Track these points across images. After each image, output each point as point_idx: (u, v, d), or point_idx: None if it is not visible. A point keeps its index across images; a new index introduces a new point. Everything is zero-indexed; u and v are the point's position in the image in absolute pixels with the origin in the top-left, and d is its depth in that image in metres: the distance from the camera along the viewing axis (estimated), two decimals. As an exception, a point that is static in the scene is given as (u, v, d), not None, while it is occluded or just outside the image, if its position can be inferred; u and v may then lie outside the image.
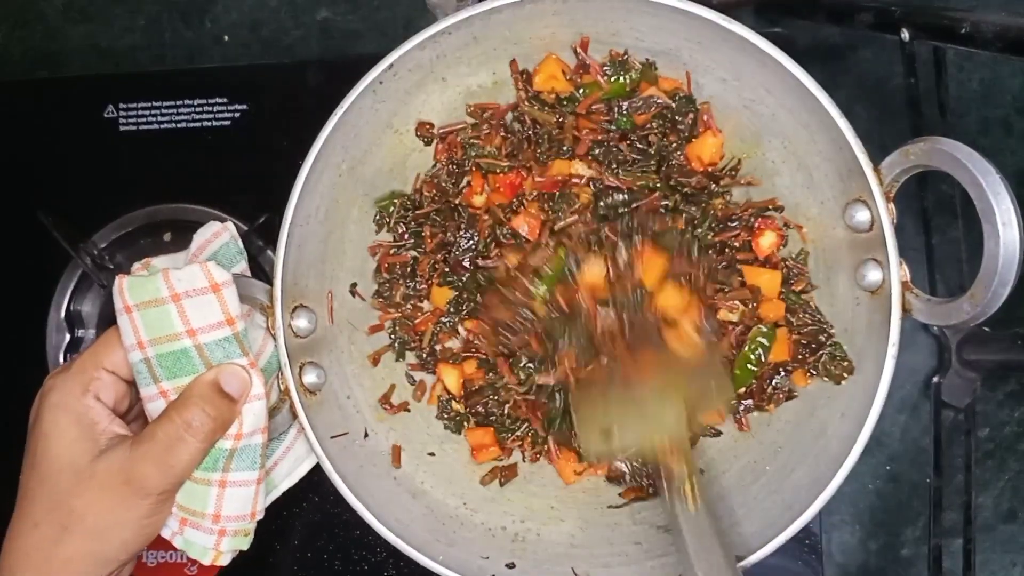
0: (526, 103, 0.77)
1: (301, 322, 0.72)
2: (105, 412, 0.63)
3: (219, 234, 0.72)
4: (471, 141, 0.78)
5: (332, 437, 0.72)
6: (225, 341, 0.64)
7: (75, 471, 0.60)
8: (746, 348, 0.75)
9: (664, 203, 0.76)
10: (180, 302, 0.62)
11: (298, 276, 0.72)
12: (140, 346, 0.63)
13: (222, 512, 0.66)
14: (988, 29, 0.73)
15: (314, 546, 0.91)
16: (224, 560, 0.68)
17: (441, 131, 0.79)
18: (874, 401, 0.64)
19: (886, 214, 0.64)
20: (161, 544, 0.88)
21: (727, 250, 0.77)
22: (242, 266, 0.73)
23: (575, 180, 0.77)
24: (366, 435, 0.77)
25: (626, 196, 0.76)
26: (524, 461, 0.81)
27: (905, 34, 0.82)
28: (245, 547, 0.68)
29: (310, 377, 0.73)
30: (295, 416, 0.70)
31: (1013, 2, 1.01)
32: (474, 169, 0.79)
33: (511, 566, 0.73)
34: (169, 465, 0.61)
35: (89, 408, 0.62)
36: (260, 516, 0.69)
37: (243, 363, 0.65)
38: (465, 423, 0.82)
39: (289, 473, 0.75)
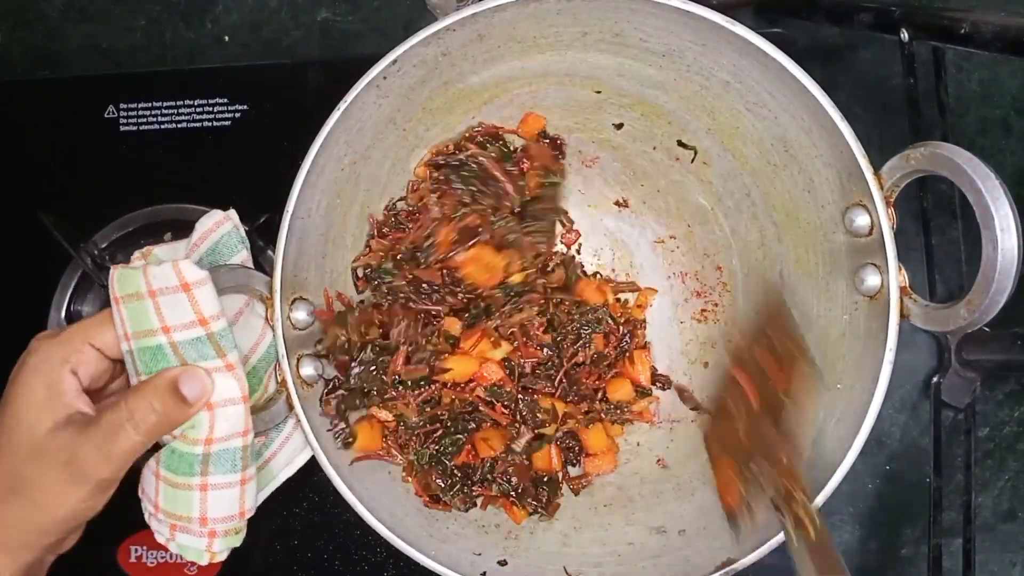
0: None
1: (300, 314, 0.72)
2: (75, 386, 0.62)
3: (221, 223, 0.71)
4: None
5: (329, 431, 0.73)
6: (198, 341, 0.63)
7: (32, 439, 0.60)
8: None
9: None
10: (156, 299, 0.62)
11: (298, 269, 0.72)
12: (127, 338, 0.63)
13: (208, 515, 0.65)
14: (987, 29, 0.73)
15: (314, 546, 0.91)
16: (221, 557, 0.68)
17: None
18: (870, 406, 0.64)
19: (886, 219, 0.64)
20: (161, 544, 0.89)
21: None
22: (243, 255, 0.72)
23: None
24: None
25: None
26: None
27: (904, 34, 0.82)
28: (238, 544, 0.68)
29: (307, 369, 0.73)
30: (291, 407, 0.70)
31: (1013, 2, 1.01)
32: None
33: (503, 563, 0.73)
34: (108, 452, 0.61)
35: (62, 379, 0.62)
36: (251, 514, 0.68)
37: (218, 364, 0.64)
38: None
39: (288, 463, 0.75)
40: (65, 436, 0.61)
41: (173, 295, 0.62)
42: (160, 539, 0.66)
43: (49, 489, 0.61)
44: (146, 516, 0.67)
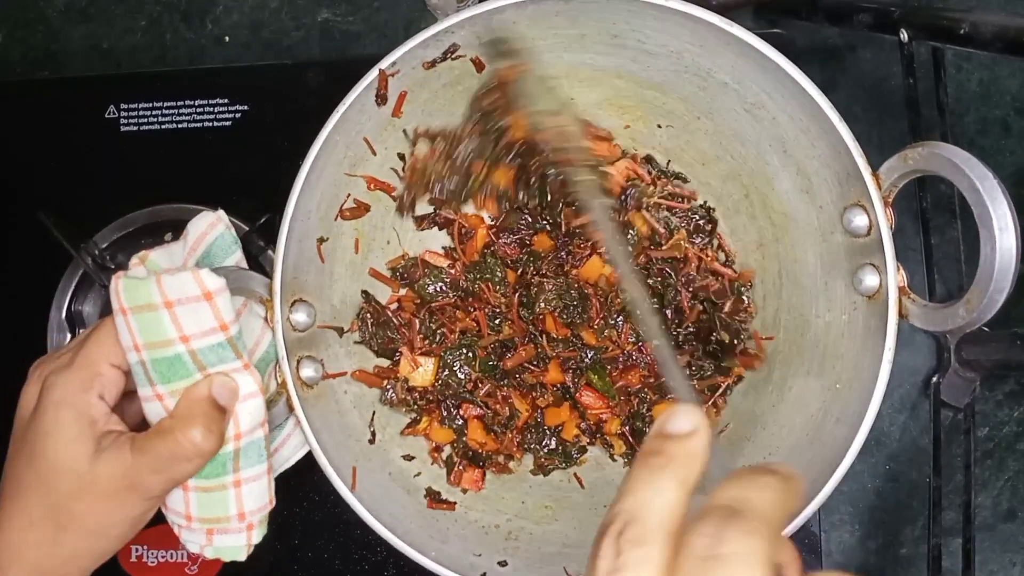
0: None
1: (300, 316, 0.73)
2: (104, 410, 0.63)
3: (214, 225, 0.71)
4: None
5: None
6: (219, 346, 0.63)
7: (76, 474, 0.60)
8: None
9: None
10: (173, 309, 0.61)
11: (298, 271, 0.72)
12: (136, 348, 0.62)
13: (245, 509, 0.66)
14: (987, 29, 0.73)
15: (314, 546, 0.91)
16: (252, 550, 0.69)
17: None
18: (869, 406, 0.64)
19: (884, 219, 0.64)
20: (161, 543, 0.90)
21: None
22: (237, 256, 0.72)
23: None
24: (372, 438, 0.78)
25: None
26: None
27: (904, 35, 0.82)
28: (265, 532, 0.69)
29: (307, 371, 0.73)
30: (291, 409, 0.70)
31: (1013, 2, 1.01)
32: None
33: (503, 564, 0.74)
34: (173, 478, 0.62)
35: (90, 406, 0.62)
36: (274, 503, 0.69)
37: (237, 365, 0.64)
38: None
39: (284, 462, 0.75)
40: (116, 462, 0.61)
41: (194, 304, 0.62)
42: (193, 548, 0.67)
43: (106, 516, 0.61)
44: (176, 530, 0.67)
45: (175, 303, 0.61)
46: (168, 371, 0.63)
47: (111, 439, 0.62)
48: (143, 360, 0.62)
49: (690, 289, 0.81)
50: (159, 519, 0.67)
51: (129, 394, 0.66)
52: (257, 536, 0.68)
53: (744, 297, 0.81)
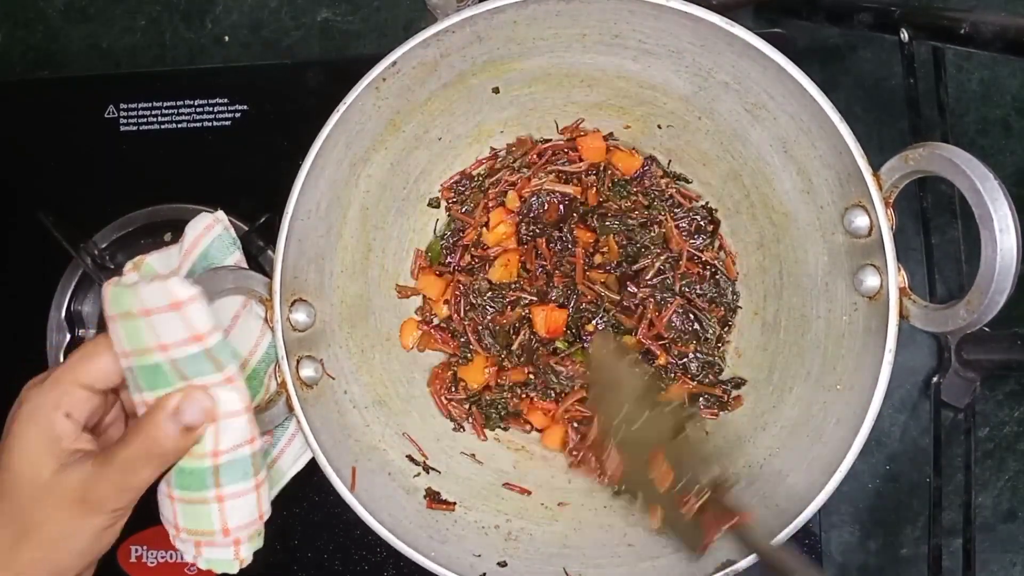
0: None
1: (299, 316, 0.72)
2: (72, 428, 0.62)
3: (211, 227, 0.71)
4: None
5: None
6: (195, 358, 0.61)
7: (35, 485, 0.60)
8: None
9: None
10: (149, 318, 0.60)
11: (298, 270, 0.72)
12: (125, 355, 0.62)
13: (229, 524, 0.65)
14: (988, 29, 0.73)
15: (314, 546, 0.91)
16: (247, 562, 0.68)
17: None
18: (870, 407, 0.64)
19: (885, 220, 0.64)
20: (161, 544, 0.90)
21: None
22: (236, 256, 0.72)
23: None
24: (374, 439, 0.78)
25: None
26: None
27: (904, 34, 0.82)
28: (260, 545, 0.68)
29: (307, 371, 0.73)
30: (291, 409, 0.70)
31: (1013, 2, 1.01)
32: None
33: (503, 564, 0.73)
34: (125, 487, 0.61)
35: (56, 423, 0.61)
36: (268, 515, 0.68)
37: (216, 379, 0.63)
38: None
39: (295, 460, 0.75)
40: (74, 475, 0.60)
41: (165, 314, 0.60)
42: (188, 557, 0.67)
43: (62, 526, 0.61)
44: (171, 539, 0.67)
45: (151, 312, 0.60)
46: (151, 379, 0.62)
47: (78, 456, 0.61)
48: (131, 367, 0.62)
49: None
50: (159, 519, 0.67)
51: None
52: (247, 550, 0.67)
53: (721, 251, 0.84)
